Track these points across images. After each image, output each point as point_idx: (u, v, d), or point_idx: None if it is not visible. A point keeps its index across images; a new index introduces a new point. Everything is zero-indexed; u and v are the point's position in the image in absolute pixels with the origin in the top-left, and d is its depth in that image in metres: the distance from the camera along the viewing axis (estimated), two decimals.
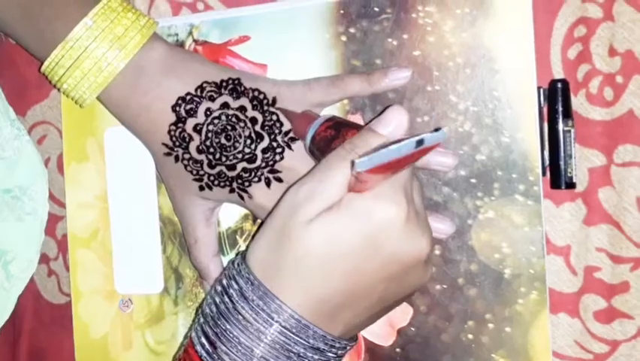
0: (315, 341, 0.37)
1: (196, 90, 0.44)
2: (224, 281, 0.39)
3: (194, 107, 0.44)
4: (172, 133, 0.44)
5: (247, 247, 0.40)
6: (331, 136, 0.40)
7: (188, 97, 0.44)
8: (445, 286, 0.45)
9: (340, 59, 0.46)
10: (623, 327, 0.44)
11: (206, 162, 0.44)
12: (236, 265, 0.39)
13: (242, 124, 0.43)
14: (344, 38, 0.46)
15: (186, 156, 0.44)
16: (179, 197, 0.46)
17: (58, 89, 0.46)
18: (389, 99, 0.45)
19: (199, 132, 0.44)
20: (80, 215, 0.52)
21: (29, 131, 0.54)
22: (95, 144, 0.51)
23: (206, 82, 0.44)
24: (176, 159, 0.45)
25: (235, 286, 0.38)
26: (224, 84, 0.44)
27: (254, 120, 0.43)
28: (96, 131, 0.51)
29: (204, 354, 0.38)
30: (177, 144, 0.44)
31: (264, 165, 0.43)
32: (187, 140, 0.44)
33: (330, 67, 0.46)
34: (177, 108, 0.44)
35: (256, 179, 0.44)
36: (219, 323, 0.38)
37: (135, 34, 0.44)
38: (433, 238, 0.38)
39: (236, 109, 0.43)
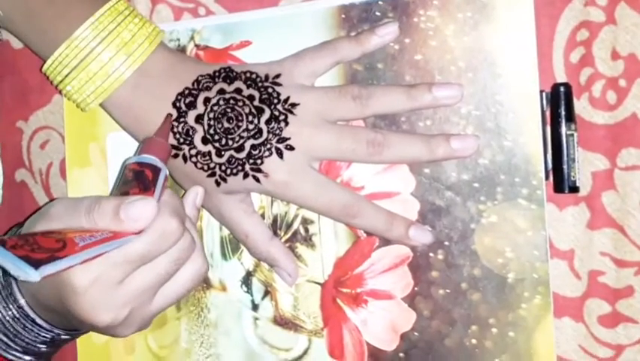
0: None
1: (193, 84, 0.45)
2: None
3: (193, 99, 0.44)
4: (175, 130, 0.44)
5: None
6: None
7: (187, 91, 0.44)
8: (448, 291, 0.45)
9: (342, 63, 0.46)
10: (628, 331, 0.44)
11: (213, 151, 0.44)
12: None
13: (240, 103, 0.44)
14: None
15: (193, 151, 0.44)
16: (207, 200, 0.45)
17: (60, 91, 0.46)
18: None
19: (201, 123, 0.44)
20: None
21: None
22: (97, 149, 0.51)
23: (200, 75, 0.45)
24: (184, 158, 0.44)
25: None
26: (216, 74, 0.45)
27: (251, 97, 0.44)
28: (98, 137, 0.51)
29: None
30: (182, 140, 0.44)
31: (271, 136, 0.43)
32: (191, 133, 0.44)
33: (332, 72, 0.46)
34: (177, 104, 0.44)
35: (267, 152, 0.43)
36: None
37: (143, 41, 0.44)
38: None
39: (233, 91, 0.44)
